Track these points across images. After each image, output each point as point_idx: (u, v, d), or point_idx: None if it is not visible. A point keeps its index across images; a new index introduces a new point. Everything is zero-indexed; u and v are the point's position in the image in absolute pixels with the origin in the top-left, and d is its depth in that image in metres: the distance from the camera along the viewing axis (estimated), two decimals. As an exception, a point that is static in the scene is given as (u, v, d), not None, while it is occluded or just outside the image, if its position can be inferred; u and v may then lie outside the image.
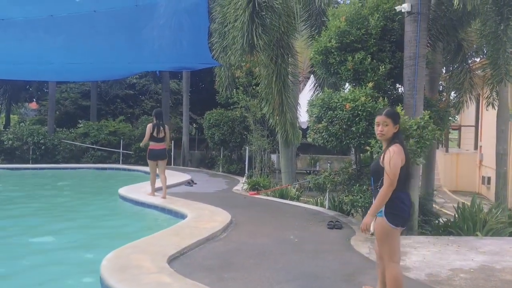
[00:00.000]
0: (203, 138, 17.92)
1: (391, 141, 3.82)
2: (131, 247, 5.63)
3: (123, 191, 10.23)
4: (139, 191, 10.10)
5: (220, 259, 5.39)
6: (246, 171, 12.96)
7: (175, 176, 12.91)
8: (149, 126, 9.18)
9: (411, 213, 3.98)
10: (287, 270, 5.06)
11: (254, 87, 13.04)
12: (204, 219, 7.26)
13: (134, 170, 15.87)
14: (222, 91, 12.87)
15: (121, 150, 18.04)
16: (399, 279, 3.81)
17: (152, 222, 8.08)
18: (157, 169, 9.38)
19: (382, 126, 3.85)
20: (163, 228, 6.74)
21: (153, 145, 9.21)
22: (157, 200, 9.07)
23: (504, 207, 7.92)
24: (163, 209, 8.53)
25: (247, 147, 13.40)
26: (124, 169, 16.47)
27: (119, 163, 17.90)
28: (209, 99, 18.05)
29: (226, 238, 6.46)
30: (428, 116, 6.74)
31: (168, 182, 11.59)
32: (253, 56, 9.84)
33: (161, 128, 9.19)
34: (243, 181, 12.28)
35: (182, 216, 7.70)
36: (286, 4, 10.15)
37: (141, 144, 10.05)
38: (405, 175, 3.75)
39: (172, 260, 5.24)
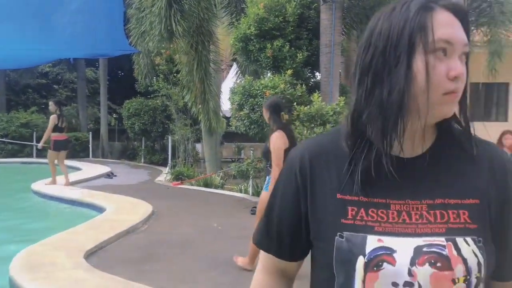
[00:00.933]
0: (124, 128, 17.34)
1: (273, 127, 4.29)
2: (44, 244, 5.32)
3: (36, 186, 9.64)
4: (54, 185, 9.57)
5: (141, 252, 5.26)
6: (169, 161, 12.72)
7: (93, 169, 12.40)
8: (54, 117, 9.13)
9: None
10: (210, 258, 5.04)
11: (175, 74, 12.77)
12: (124, 212, 7.04)
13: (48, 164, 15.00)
14: (141, 79, 12.51)
15: (34, 143, 16.97)
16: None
17: (69, 217, 7.68)
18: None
19: (264, 116, 4.42)
20: (80, 222, 6.43)
21: (57, 136, 9.26)
22: (74, 194, 8.65)
23: None
24: (80, 203, 8.14)
25: (169, 137, 13.14)
26: (38, 163, 15.51)
27: (32, 156, 16.84)
28: (129, 87, 17.47)
29: (147, 230, 6.31)
30: (343, 102, 7.00)
31: (86, 175, 11.12)
32: (172, 43, 9.64)
33: (64, 118, 9.34)
34: (166, 172, 12.07)
35: (100, 210, 7.39)
36: (205, -10, 10.02)
37: (39, 145, 9.92)
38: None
39: (89, 255, 5.02)
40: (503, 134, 7.27)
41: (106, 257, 5.04)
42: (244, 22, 7.81)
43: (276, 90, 7.18)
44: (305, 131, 6.71)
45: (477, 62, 8.99)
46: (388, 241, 0.84)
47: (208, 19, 10.47)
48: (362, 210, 0.88)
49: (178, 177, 11.05)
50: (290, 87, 7.24)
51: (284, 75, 7.42)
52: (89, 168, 12.53)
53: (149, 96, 14.78)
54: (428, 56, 0.81)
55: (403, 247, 0.83)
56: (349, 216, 0.88)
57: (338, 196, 0.90)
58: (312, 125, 6.79)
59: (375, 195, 0.88)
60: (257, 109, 7.35)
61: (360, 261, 0.84)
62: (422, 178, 0.89)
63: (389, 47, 0.83)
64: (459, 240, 0.84)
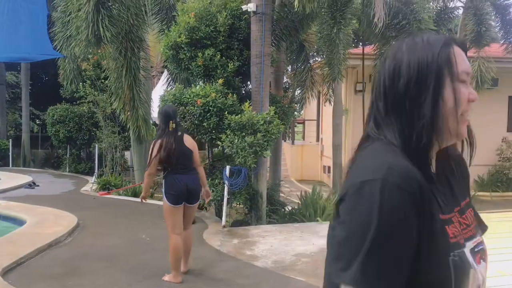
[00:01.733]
0: (47, 135, 16.49)
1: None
2: (-45, 262, 4.94)
3: None
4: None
5: (65, 266, 5.04)
6: (96, 170, 12.27)
7: (13, 179, 11.68)
8: None
9: (183, 192, 4.51)
10: (138, 270, 4.93)
11: (103, 80, 12.37)
12: (47, 224, 6.70)
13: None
14: (67, 84, 11.96)
15: None
16: (176, 248, 4.50)
17: (-16, 232, 7.19)
18: None
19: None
20: (-3, 237, 6.05)
21: None
22: (-10, 206, 8.10)
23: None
24: (-3, 216, 7.65)
25: (96, 145, 12.69)
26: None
27: None
28: (53, 93, 16.65)
29: (72, 243, 6.05)
30: (273, 112, 7.14)
31: (5, 185, 10.47)
32: (100, 48, 9.33)
33: None
34: (93, 181, 11.63)
35: (20, 223, 6.99)
36: (135, -4, 9.82)
37: None
38: (169, 162, 4.48)
39: (7, 272, 4.73)
40: None
41: (26, 273, 4.77)
42: (175, 30, 7.75)
43: (207, 99, 7.17)
44: (236, 140, 6.77)
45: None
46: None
47: (138, 25, 10.25)
48: (453, 226, 0.99)
49: (105, 186, 10.69)
50: (221, 96, 7.26)
51: (215, 84, 7.44)
52: (8, 178, 11.78)
53: (75, 103, 14.18)
54: (455, 83, 0.98)
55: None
56: (451, 235, 0.96)
57: (441, 217, 0.96)
58: (243, 134, 6.86)
59: (449, 210, 1.01)
60: (188, 117, 7.31)
61: (472, 273, 0.96)
62: (449, 187, 1.05)
63: (421, 77, 0.97)
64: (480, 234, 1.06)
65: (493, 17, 10.28)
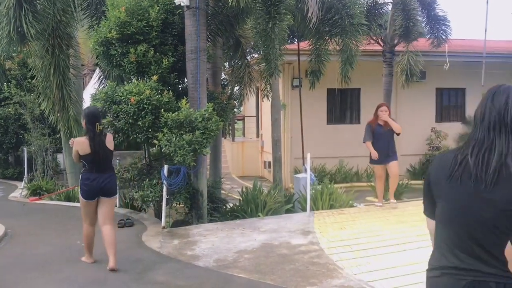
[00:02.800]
0: (-30, 140, 15.35)
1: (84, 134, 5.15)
2: None
3: None
4: None
5: (-10, 279, 4.67)
6: (26, 175, 11.57)
7: None
8: None
9: (95, 188, 5.03)
10: (72, 279, 4.67)
11: (29, 80, 11.68)
12: (-31, 235, 6.21)
13: None
14: (-10, 85, 11.20)
15: None
16: (87, 235, 5.20)
17: None
18: None
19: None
20: None
21: None
22: None
23: (280, 187, 8.84)
24: None
25: (25, 148, 11.96)
26: None
27: None
28: (-25, 94, 15.52)
29: (-2, 253, 5.64)
30: (211, 108, 7.02)
31: None
32: (25, 46, 8.78)
33: None
34: (22, 186, 10.97)
35: None
36: (61, -10, 9.32)
37: None
38: (89, 161, 5.02)
39: None
40: (379, 106, 7.87)
41: None
42: (105, 25, 7.42)
43: (141, 96, 6.93)
44: (174, 138, 6.59)
45: (333, 70, 9.75)
46: None
47: (66, 21, 9.74)
48: None
49: (36, 191, 10.13)
50: (156, 93, 7.03)
51: (150, 81, 7.21)
52: None
53: (-1, 104, 13.30)
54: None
55: None
56: None
57: None
58: (181, 131, 6.69)
59: None
60: (122, 116, 7.03)
61: None
62: None
63: (500, 117, 1.62)
64: None
65: (419, 13, 10.72)
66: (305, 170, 8.82)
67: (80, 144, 5.00)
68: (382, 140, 7.61)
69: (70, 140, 5.26)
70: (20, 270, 4.96)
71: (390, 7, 11.08)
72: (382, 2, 11.29)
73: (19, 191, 10.82)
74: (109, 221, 5.09)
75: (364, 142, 7.78)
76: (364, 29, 8.81)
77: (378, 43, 11.31)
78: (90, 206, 5.11)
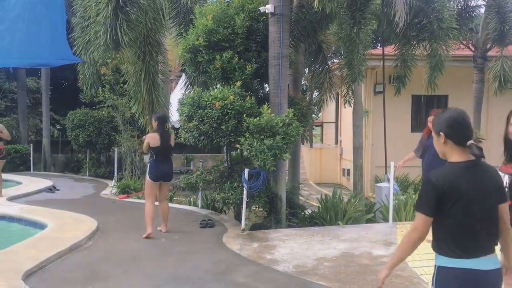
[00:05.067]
0: (67, 140, 16.66)
1: (154, 131, 6.65)
2: (-23, 266, 4.97)
3: (-30, 202, 9.05)
4: (-9, 201, 9.02)
5: (85, 270, 5.02)
6: (116, 174, 12.33)
7: (34, 183, 11.81)
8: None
9: (160, 173, 6.55)
10: (158, 274, 4.89)
11: (122, 85, 12.44)
12: (67, 228, 6.72)
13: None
14: (86, 89, 12.06)
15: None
16: (150, 211, 6.49)
17: (5, 235, 7.25)
18: None
19: (152, 124, 6.97)
20: (19, 241, 6.07)
21: None
22: (12, 210, 8.18)
23: (361, 196, 8.64)
24: (19, 220, 7.71)
25: (116, 149, 12.76)
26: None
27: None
28: (73, 98, 16.82)
29: (91, 247, 6.05)
30: (292, 114, 7.05)
31: (26, 190, 10.60)
32: (118, 53, 9.37)
33: None
34: (112, 185, 11.69)
35: (41, 226, 7.03)
36: (153, 0, 9.84)
37: None
38: (157, 152, 6.49)
39: (28, 276, 4.74)
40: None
41: (46, 278, 4.78)
42: (193, 33, 7.72)
43: (225, 102, 7.12)
44: (255, 143, 6.69)
45: (419, 75, 9.38)
46: None
47: (156, 29, 10.28)
48: None
49: (125, 190, 10.74)
50: (239, 99, 7.19)
51: (233, 87, 7.38)
52: (30, 182, 11.92)
53: (94, 107, 14.30)
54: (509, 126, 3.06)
55: None
56: None
57: None
58: (262, 136, 6.78)
59: None
60: (207, 120, 7.26)
61: None
62: None
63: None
64: None
65: (516, 15, 10.03)
66: (387, 179, 8.56)
67: (152, 138, 6.51)
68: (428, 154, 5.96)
69: (143, 137, 6.78)
70: (112, 263, 5.28)
71: (482, 10, 10.49)
72: (474, 5, 10.71)
73: (109, 189, 11.52)
74: (165, 198, 6.86)
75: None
76: (454, 33, 8.42)
77: (468, 47, 10.74)
78: (155, 187, 6.61)
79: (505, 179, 2.92)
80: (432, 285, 2.36)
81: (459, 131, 2.28)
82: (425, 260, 5.31)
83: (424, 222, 2.31)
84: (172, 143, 6.69)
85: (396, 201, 7.65)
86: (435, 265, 2.36)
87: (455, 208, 2.21)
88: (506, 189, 2.72)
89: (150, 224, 6.46)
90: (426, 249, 5.57)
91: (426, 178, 2.33)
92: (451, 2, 10.41)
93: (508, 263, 2.43)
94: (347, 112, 13.08)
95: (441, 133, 2.31)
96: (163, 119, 6.72)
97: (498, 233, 2.31)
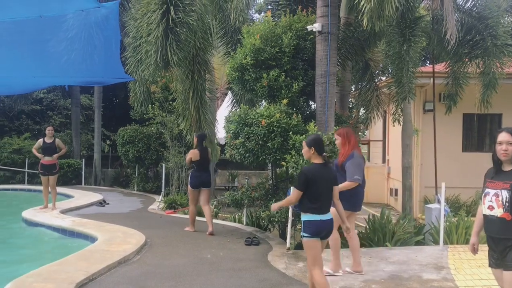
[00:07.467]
0: (117, 155, 17.22)
1: (195, 147, 7.97)
2: (33, 275, 5.17)
3: (27, 214, 9.48)
4: (45, 213, 9.41)
5: (133, 284, 5.12)
6: (163, 189, 12.59)
7: (86, 196, 12.23)
8: (40, 141, 10.22)
9: (199, 181, 7.91)
10: (204, 291, 4.91)
11: (170, 102, 12.79)
12: (116, 242, 6.89)
13: (40, 191, 14.77)
14: (137, 106, 12.47)
15: (26, 170, 16.81)
16: (193, 213, 8.19)
17: (59, 247, 7.52)
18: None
19: (194, 141, 8.31)
20: (71, 253, 6.28)
21: (43, 160, 10.00)
22: (65, 222, 8.50)
23: (410, 217, 8.38)
24: (71, 233, 7.99)
25: (163, 164, 13.06)
26: (30, 190, 15.30)
27: (24, 183, 16.64)
28: (123, 114, 17.43)
29: (140, 260, 6.16)
30: (339, 132, 6.96)
31: (78, 203, 10.97)
32: (168, 72, 9.65)
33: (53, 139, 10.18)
34: (160, 200, 11.93)
35: (92, 239, 7.25)
36: (202, 21, 10.08)
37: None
38: (198, 164, 7.83)
39: (80, 287, 4.88)
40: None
41: (96, 289, 4.89)
42: (240, 52, 7.86)
43: (272, 119, 7.16)
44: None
45: (470, 93, 9.08)
46: None
47: (204, 48, 10.53)
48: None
49: (172, 205, 10.92)
50: (285, 116, 7.22)
51: (280, 105, 7.42)
52: (81, 196, 12.36)
53: (143, 124, 14.74)
54: (496, 145, 3.46)
55: None
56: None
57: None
58: (308, 154, 6.75)
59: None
60: (253, 138, 7.32)
61: None
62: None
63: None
64: None
65: None
66: (438, 201, 8.28)
67: (194, 153, 7.82)
68: None
69: (187, 155, 8.11)
70: (159, 278, 5.36)
71: (540, 25, 10.06)
72: (530, 20, 10.31)
73: (156, 204, 11.76)
74: (207, 203, 7.95)
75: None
76: (509, 50, 8.11)
77: (524, 64, 10.29)
78: (196, 193, 7.91)
79: (504, 195, 3.35)
80: (302, 231, 4.15)
81: (321, 146, 4.21)
82: (479, 287, 5.09)
83: (298, 194, 4.13)
84: (209, 156, 8.07)
85: (447, 223, 7.37)
86: (302, 220, 4.18)
87: (313, 187, 4.10)
88: (507, 204, 3.32)
89: (192, 223, 8.03)
90: (481, 274, 5.33)
91: (301, 170, 4.25)
92: (506, 18, 10.06)
93: (340, 216, 4.37)
94: (395, 130, 12.80)
95: (312, 147, 4.18)
96: (202, 138, 8.07)
97: (331, 201, 4.25)
